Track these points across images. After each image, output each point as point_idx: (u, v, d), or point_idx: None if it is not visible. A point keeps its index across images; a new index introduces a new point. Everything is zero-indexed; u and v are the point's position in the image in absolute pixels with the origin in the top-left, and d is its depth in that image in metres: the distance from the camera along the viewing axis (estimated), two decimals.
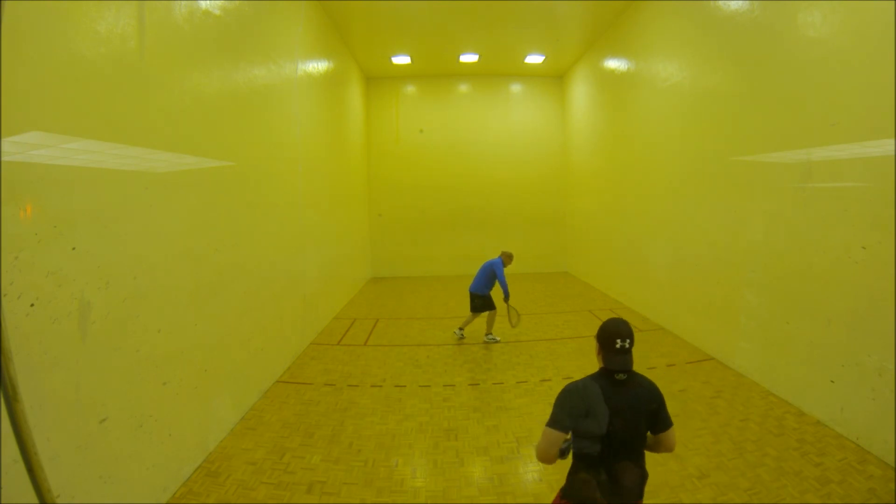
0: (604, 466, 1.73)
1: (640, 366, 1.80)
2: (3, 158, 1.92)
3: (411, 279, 11.54)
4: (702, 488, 2.95)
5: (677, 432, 1.85)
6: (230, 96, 4.12)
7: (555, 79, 11.98)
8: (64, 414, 2.21)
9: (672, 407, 1.87)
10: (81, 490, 2.28)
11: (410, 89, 11.97)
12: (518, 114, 12.10)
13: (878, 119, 3.16)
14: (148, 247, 2.89)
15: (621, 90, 8.16)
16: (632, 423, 1.74)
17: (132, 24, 2.73)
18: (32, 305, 2.05)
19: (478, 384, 4.82)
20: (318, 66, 7.13)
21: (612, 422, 1.69)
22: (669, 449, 1.85)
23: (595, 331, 1.85)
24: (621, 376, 1.73)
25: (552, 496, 1.94)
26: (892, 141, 3.07)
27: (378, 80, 11.78)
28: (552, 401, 1.79)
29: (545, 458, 1.74)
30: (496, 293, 6.25)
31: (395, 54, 10.19)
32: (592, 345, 1.88)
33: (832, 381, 3.63)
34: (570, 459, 1.83)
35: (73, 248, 2.30)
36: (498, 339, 6.21)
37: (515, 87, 12.10)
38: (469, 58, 10.54)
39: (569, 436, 1.76)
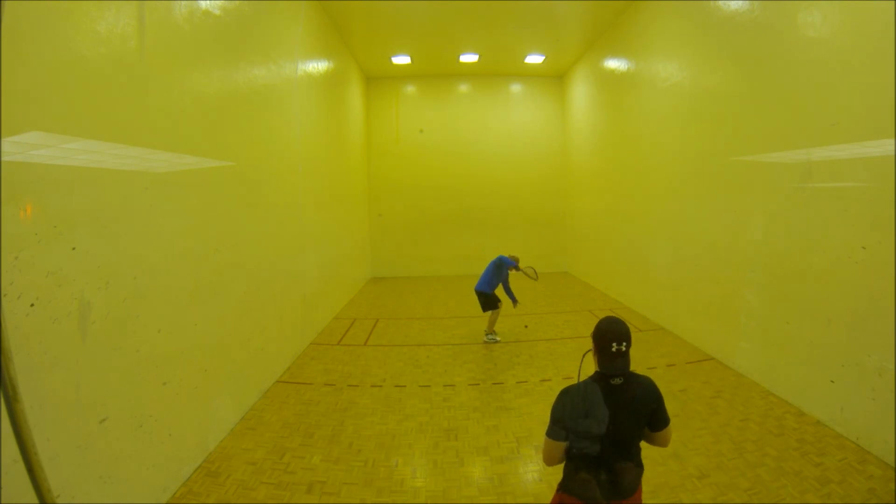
0: (603, 466, 1.73)
1: (640, 366, 1.81)
2: (3, 158, 1.92)
3: (411, 279, 11.53)
4: (702, 488, 2.94)
5: (677, 432, 1.86)
6: (230, 96, 4.12)
7: (555, 79, 11.97)
8: (64, 414, 2.21)
9: (672, 407, 1.87)
10: (81, 490, 2.28)
11: (410, 89, 11.96)
12: (518, 114, 12.09)
13: (878, 119, 3.16)
14: (148, 247, 2.89)
15: (621, 90, 8.16)
16: (631, 422, 1.75)
17: (132, 24, 2.73)
18: (32, 305, 2.05)
19: (478, 384, 4.82)
20: (318, 66, 7.13)
21: (612, 422, 1.69)
22: (664, 445, 1.87)
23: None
24: (617, 381, 1.72)
25: (552, 496, 1.94)
26: (892, 141, 3.07)
27: (378, 80, 11.77)
28: (552, 401, 1.79)
29: (551, 463, 1.80)
30: (500, 292, 6.27)
31: (395, 54, 10.19)
32: (589, 344, 1.87)
33: (832, 381, 3.63)
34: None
35: (73, 248, 2.30)
36: (498, 338, 6.21)
37: (515, 87, 12.09)
38: (469, 58, 10.54)
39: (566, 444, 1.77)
